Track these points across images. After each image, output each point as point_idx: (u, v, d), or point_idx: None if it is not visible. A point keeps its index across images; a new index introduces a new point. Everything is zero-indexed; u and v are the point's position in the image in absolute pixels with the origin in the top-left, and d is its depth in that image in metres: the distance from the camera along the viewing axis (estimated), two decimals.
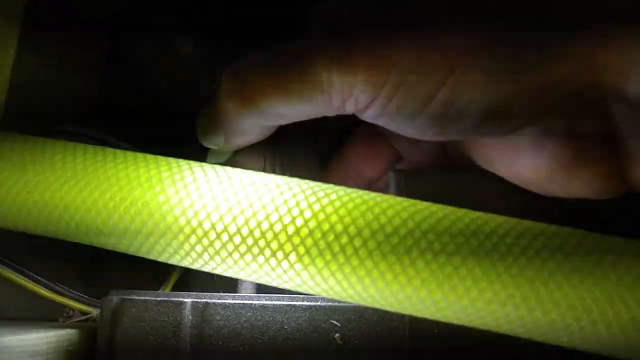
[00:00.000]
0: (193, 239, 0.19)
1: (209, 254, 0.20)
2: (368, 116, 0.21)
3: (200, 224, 0.19)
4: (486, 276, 0.18)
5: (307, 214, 0.19)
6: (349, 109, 0.21)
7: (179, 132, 0.32)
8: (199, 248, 0.19)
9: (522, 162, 0.21)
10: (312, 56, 0.20)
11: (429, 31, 0.19)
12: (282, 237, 0.19)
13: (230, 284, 0.27)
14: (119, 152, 0.21)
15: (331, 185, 0.21)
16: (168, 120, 0.35)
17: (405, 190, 0.24)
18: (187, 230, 0.19)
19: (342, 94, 0.20)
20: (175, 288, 0.31)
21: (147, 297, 0.23)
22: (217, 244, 0.19)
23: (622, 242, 0.19)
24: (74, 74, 0.34)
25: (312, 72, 0.20)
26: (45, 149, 0.21)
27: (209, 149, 0.25)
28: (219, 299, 0.23)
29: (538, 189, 0.22)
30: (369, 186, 0.28)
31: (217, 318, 0.22)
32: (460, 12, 0.19)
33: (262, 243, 0.19)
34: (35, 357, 0.20)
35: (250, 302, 0.22)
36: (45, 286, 0.27)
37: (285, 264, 0.19)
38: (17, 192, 0.20)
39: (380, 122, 0.21)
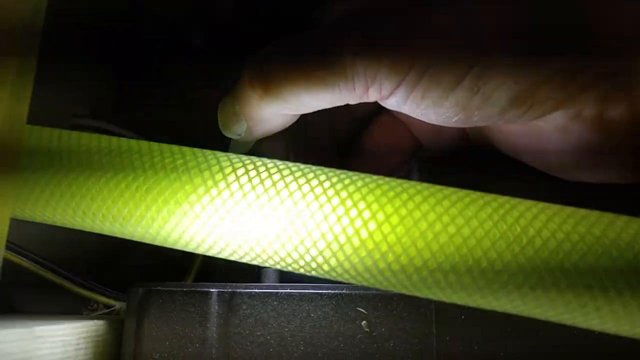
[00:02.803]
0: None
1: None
2: (392, 103, 0.21)
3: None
4: None
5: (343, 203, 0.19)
6: (373, 96, 0.21)
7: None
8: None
9: (548, 147, 0.21)
10: (335, 43, 0.20)
11: (455, 15, 0.19)
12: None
13: (252, 274, 0.27)
14: (143, 143, 0.22)
15: (364, 174, 0.21)
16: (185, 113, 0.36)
17: (429, 178, 0.24)
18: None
19: (366, 80, 0.20)
20: (197, 279, 0.31)
21: (173, 288, 0.23)
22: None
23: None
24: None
25: (335, 60, 0.20)
26: (71, 140, 0.21)
27: (230, 139, 0.25)
28: (245, 289, 0.23)
29: (563, 175, 0.22)
30: (390, 174, 0.28)
31: (244, 307, 0.22)
32: None
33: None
34: (66, 347, 0.20)
35: (276, 290, 0.23)
36: (70, 280, 0.27)
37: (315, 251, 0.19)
38: (46, 182, 0.20)
39: (404, 110, 0.21)
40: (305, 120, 0.24)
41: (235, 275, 0.30)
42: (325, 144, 0.27)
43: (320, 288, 0.23)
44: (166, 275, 0.32)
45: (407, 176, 0.28)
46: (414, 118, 0.22)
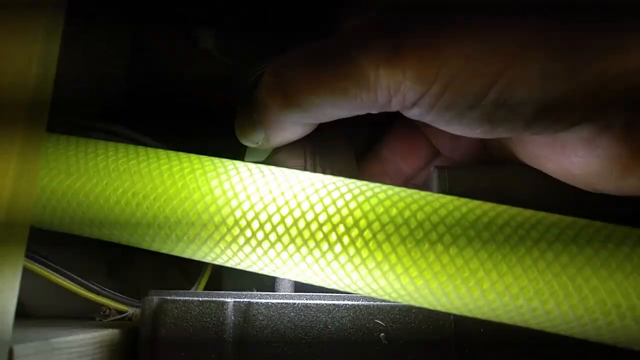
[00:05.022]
0: (242, 240, 0.19)
1: (256, 254, 0.19)
2: (414, 114, 0.21)
3: (249, 224, 0.19)
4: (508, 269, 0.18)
5: (355, 212, 0.19)
6: (395, 106, 0.20)
7: (208, 127, 0.32)
8: (247, 249, 0.19)
9: (573, 159, 0.21)
10: (358, 52, 0.20)
11: (481, 26, 0.19)
12: (331, 235, 0.19)
13: (265, 282, 0.27)
14: (161, 151, 0.21)
15: (377, 184, 0.20)
16: (196, 115, 0.35)
17: (449, 186, 0.24)
18: (235, 231, 0.19)
19: (388, 91, 0.20)
20: (208, 286, 0.31)
21: (188, 297, 0.23)
22: (266, 244, 0.19)
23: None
24: (100, 65, 0.34)
25: (358, 69, 0.19)
26: (88, 149, 0.21)
27: (246, 147, 0.25)
28: (261, 299, 0.23)
29: (586, 186, 0.21)
30: (407, 182, 0.28)
31: (260, 318, 0.22)
32: (512, 6, 0.19)
33: (311, 244, 0.19)
34: (83, 358, 0.20)
35: (293, 301, 0.22)
36: (83, 285, 0.27)
37: (327, 260, 0.19)
38: (65, 191, 0.20)
39: (426, 120, 0.21)
40: (322, 127, 0.23)
41: (248, 283, 0.29)
42: (342, 152, 0.26)
43: (337, 299, 0.22)
44: (179, 281, 0.32)
45: (423, 185, 0.27)
46: (433, 126, 0.21)
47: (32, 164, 0.15)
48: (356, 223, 0.19)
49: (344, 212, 0.19)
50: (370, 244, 0.18)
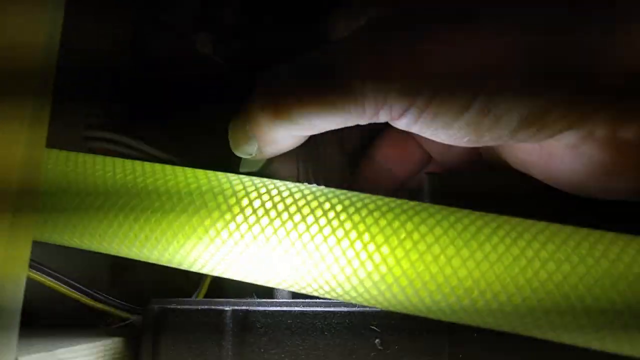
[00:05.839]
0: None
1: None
2: (402, 124, 0.21)
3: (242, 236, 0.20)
4: None
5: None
6: (383, 117, 0.21)
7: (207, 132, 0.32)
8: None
9: (560, 165, 0.21)
10: (345, 67, 0.20)
11: (463, 38, 0.19)
12: (321, 246, 0.19)
13: (265, 287, 0.28)
14: (157, 166, 0.22)
15: (367, 195, 0.21)
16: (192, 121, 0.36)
17: (441, 192, 0.24)
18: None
19: (375, 104, 0.20)
20: (210, 291, 0.31)
21: (188, 306, 0.23)
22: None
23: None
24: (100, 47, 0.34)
25: (345, 84, 0.20)
26: (86, 164, 0.22)
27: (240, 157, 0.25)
28: (258, 306, 0.23)
29: (576, 191, 0.22)
30: (400, 187, 0.28)
31: (258, 326, 0.23)
32: (492, 18, 0.19)
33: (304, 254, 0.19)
34: None
35: (290, 309, 0.23)
36: (86, 294, 0.28)
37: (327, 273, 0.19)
38: (66, 207, 0.20)
39: (414, 130, 0.21)
40: (314, 136, 0.24)
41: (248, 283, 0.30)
42: (334, 158, 0.27)
43: (333, 306, 0.23)
44: (180, 287, 0.32)
45: (417, 190, 0.28)
46: None
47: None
48: (346, 234, 0.19)
49: (335, 224, 0.19)
50: (360, 254, 0.19)
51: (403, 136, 0.27)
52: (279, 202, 0.20)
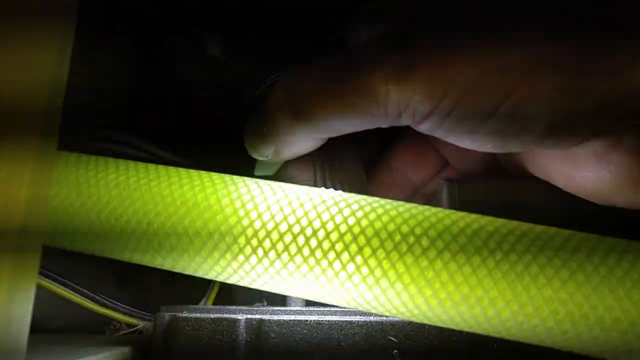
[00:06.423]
0: (254, 259, 0.19)
1: (269, 274, 0.19)
2: (425, 128, 0.20)
3: (260, 243, 0.19)
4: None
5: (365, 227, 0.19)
6: (405, 121, 0.20)
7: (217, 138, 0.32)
8: (260, 268, 0.19)
9: (585, 174, 0.20)
10: (369, 68, 0.19)
11: (492, 41, 0.18)
12: (343, 254, 0.19)
13: (276, 294, 0.27)
14: (172, 169, 0.21)
15: (388, 201, 0.20)
16: (204, 124, 0.35)
17: (458, 200, 0.24)
18: (247, 251, 0.19)
19: (398, 106, 0.19)
20: (218, 297, 0.31)
21: (200, 314, 0.22)
22: (278, 263, 0.19)
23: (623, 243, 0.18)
24: (105, 77, 0.34)
25: (368, 86, 0.19)
26: (98, 167, 0.21)
27: (255, 159, 0.25)
28: (273, 315, 0.22)
29: (598, 200, 0.21)
30: (415, 192, 0.28)
31: (272, 335, 0.22)
32: (526, 22, 0.19)
33: (324, 263, 0.19)
34: None
35: (305, 317, 0.22)
36: (94, 300, 0.27)
37: (344, 275, 0.19)
38: (76, 211, 0.20)
39: (437, 134, 0.21)
40: (331, 139, 0.23)
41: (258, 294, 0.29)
42: (351, 162, 0.26)
43: (349, 315, 0.22)
44: (189, 292, 0.32)
45: (433, 195, 0.27)
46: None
47: (46, 173, 0.15)
48: (368, 242, 0.18)
49: (356, 230, 0.19)
50: (384, 263, 0.18)
51: (420, 141, 0.27)
52: (298, 206, 0.19)
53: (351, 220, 0.19)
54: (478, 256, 0.18)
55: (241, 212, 0.20)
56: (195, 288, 0.31)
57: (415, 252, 0.18)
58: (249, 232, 0.19)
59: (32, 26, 0.15)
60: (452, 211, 0.20)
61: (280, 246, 0.19)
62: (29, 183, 0.14)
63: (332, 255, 0.18)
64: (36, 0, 0.15)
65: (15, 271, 0.14)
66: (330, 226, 0.19)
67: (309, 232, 0.19)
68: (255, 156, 0.24)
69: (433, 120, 0.20)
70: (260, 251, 0.19)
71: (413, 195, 0.28)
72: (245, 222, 0.19)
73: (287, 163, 0.24)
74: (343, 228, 0.19)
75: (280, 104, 0.21)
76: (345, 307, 0.22)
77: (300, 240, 0.19)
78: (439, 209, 0.20)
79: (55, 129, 0.15)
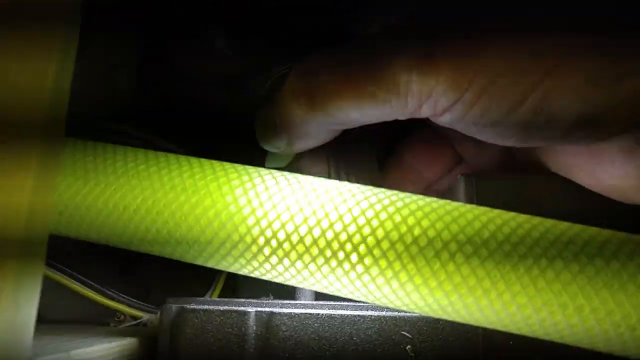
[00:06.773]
0: (267, 250, 0.18)
1: (284, 266, 0.19)
2: (446, 120, 0.20)
3: (275, 235, 0.18)
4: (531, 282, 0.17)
5: (385, 224, 0.18)
6: (426, 112, 0.20)
7: (223, 132, 0.31)
8: (274, 259, 0.19)
9: (609, 170, 0.20)
10: (389, 57, 0.19)
11: (521, 31, 0.18)
12: (361, 247, 0.18)
13: (283, 287, 0.27)
14: (182, 158, 0.21)
15: (408, 194, 0.20)
16: (210, 119, 0.34)
17: (476, 196, 0.23)
18: (261, 241, 0.18)
19: (420, 97, 0.19)
20: (222, 293, 0.30)
21: (208, 306, 0.22)
22: (293, 255, 0.18)
23: None
24: (109, 75, 0.33)
25: (388, 74, 0.19)
26: (106, 154, 0.20)
27: (267, 151, 0.24)
28: (282, 308, 0.22)
29: (621, 197, 0.21)
30: (428, 188, 0.27)
31: (283, 329, 0.22)
32: (558, 9, 0.18)
33: (341, 255, 0.18)
34: None
35: (316, 311, 0.22)
36: (98, 291, 0.27)
37: (357, 272, 0.18)
38: (83, 199, 0.19)
39: (458, 127, 0.20)
40: (344, 132, 0.23)
41: (264, 288, 0.29)
42: (364, 156, 0.26)
43: (361, 309, 0.22)
44: (192, 284, 0.31)
45: (448, 191, 0.27)
46: (456, 132, 0.21)
47: (49, 180, 0.15)
48: (387, 235, 0.18)
49: (374, 223, 0.18)
50: (403, 256, 0.18)
51: (434, 136, 0.26)
52: (314, 198, 0.19)
53: (370, 214, 0.19)
54: (500, 251, 0.17)
55: (254, 203, 0.19)
56: (199, 283, 0.31)
57: (436, 246, 0.18)
58: (264, 223, 0.19)
59: (33, 32, 0.14)
60: (474, 206, 0.20)
61: (295, 237, 0.18)
62: (32, 191, 0.14)
63: (349, 246, 0.18)
64: (39, 6, 0.14)
65: (19, 278, 0.14)
66: (347, 219, 0.18)
67: (324, 224, 0.18)
68: (266, 148, 0.23)
69: (456, 112, 0.19)
70: (273, 242, 0.19)
71: (425, 190, 0.27)
72: (260, 212, 0.19)
73: (300, 155, 0.24)
74: (361, 221, 0.18)
75: (295, 93, 0.20)
76: (357, 302, 0.21)
77: (316, 232, 0.18)
78: (460, 203, 0.20)
79: (60, 135, 0.15)
